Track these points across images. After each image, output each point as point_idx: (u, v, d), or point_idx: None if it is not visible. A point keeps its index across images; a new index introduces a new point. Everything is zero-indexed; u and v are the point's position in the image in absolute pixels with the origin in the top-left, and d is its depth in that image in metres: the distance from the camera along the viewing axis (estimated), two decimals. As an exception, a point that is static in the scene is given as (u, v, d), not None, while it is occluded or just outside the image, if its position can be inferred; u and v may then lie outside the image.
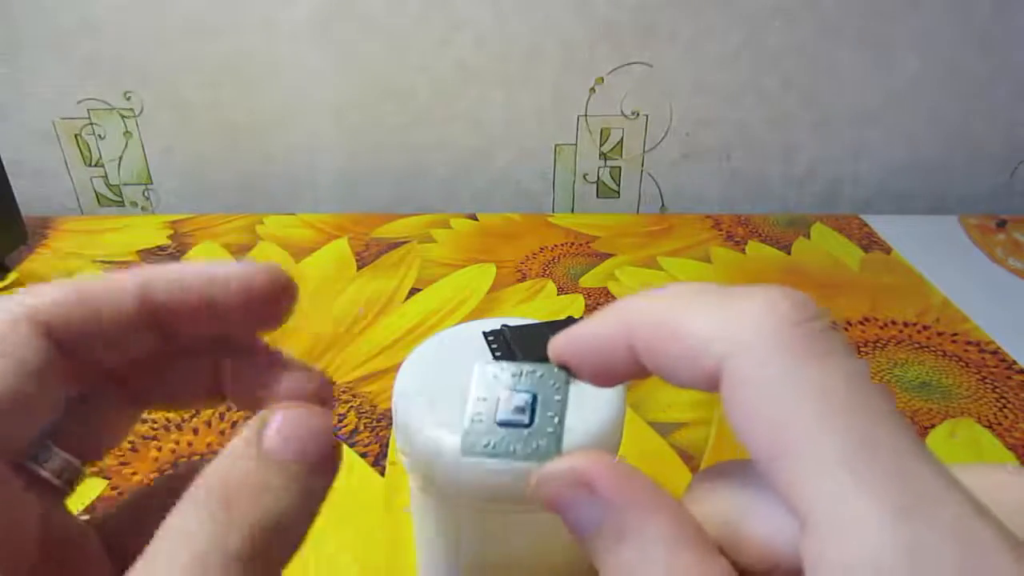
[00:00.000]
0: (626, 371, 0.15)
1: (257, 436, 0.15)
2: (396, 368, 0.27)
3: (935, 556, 0.10)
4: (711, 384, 0.13)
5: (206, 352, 0.18)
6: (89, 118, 0.69)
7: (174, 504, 0.17)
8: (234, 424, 0.41)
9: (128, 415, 0.18)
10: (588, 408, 0.24)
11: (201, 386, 0.18)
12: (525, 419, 0.16)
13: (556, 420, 0.16)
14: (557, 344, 0.16)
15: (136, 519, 0.18)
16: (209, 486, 0.14)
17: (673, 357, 0.14)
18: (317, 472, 0.15)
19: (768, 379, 0.12)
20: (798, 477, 0.11)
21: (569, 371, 0.16)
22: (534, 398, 0.16)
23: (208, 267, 0.17)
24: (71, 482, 0.16)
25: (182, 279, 0.16)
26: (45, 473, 0.15)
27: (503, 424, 0.16)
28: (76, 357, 0.16)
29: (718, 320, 0.13)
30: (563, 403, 0.16)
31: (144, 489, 0.19)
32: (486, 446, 0.16)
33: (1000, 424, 0.41)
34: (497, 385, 0.17)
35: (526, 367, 0.17)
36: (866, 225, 0.66)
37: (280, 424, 0.15)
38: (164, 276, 0.16)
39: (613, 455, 0.26)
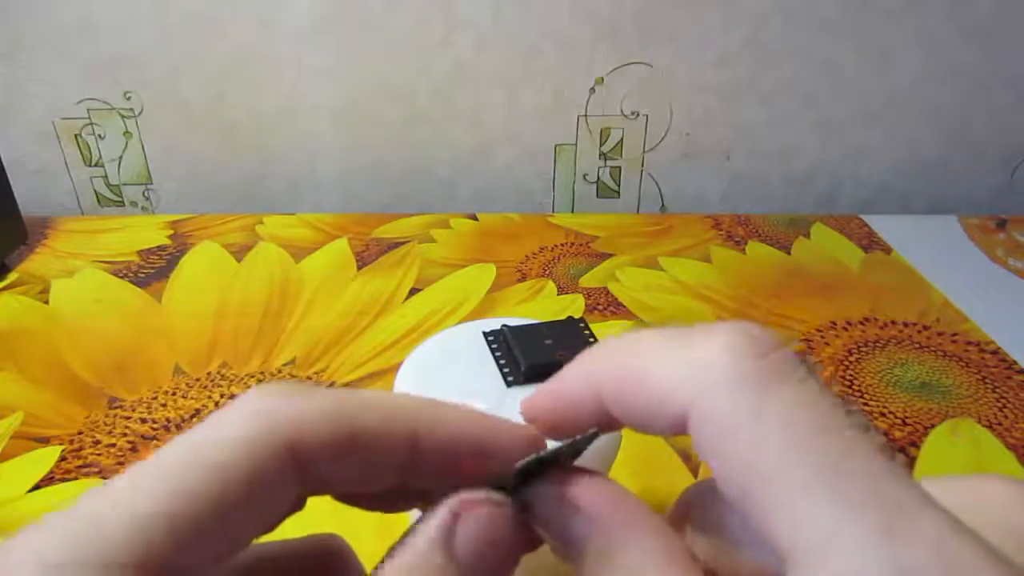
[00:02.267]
0: (600, 425, 0.15)
1: (446, 528, 0.14)
2: (396, 368, 0.27)
3: (918, 574, 0.10)
4: (680, 430, 0.13)
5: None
6: (89, 118, 0.69)
7: (308, 573, 0.16)
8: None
9: (302, 500, 0.16)
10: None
11: (390, 495, 0.16)
12: None
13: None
14: (528, 405, 0.16)
15: (260, 572, 0.16)
16: None
17: (640, 408, 0.14)
18: None
19: (731, 416, 0.12)
20: (774, 508, 0.11)
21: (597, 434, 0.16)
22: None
23: (481, 427, 0.15)
24: None
25: (455, 433, 0.15)
26: None
27: None
28: (314, 482, 0.14)
29: (679, 366, 0.13)
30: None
31: (276, 545, 0.17)
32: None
33: (1000, 424, 0.41)
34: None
35: (564, 448, 0.16)
36: (866, 225, 0.66)
37: (476, 522, 0.14)
38: (436, 425, 0.15)
39: (611, 461, 0.26)
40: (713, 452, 0.12)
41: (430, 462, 0.15)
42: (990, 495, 0.13)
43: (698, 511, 0.15)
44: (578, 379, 0.15)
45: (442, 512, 0.14)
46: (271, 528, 0.15)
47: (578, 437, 0.16)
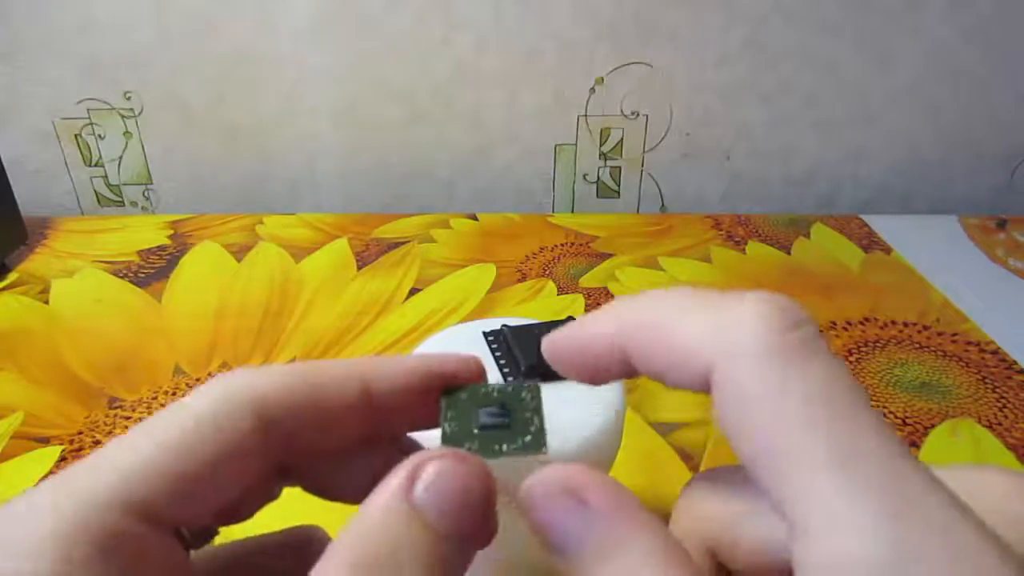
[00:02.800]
0: (618, 371, 0.15)
1: (406, 485, 0.13)
2: (396, 368, 0.27)
3: (924, 557, 0.10)
4: (702, 387, 0.13)
5: (376, 446, 0.17)
6: (89, 118, 0.69)
7: (289, 565, 0.17)
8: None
9: (276, 489, 0.17)
10: (588, 409, 0.24)
11: (358, 481, 0.17)
12: (504, 420, 0.16)
13: (536, 420, 0.16)
14: (551, 342, 0.16)
15: (247, 570, 0.17)
16: (346, 545, 0.13)
17: (665, 361, 0.14)
18: (468, 541, 0.14)
19: (755, 385, 0.12)
20: (786, 481, 0.12)
21: (540, 381, 0.17)
22: (507, 406, 0.16)
23: (425, 363, 0.17)
24: (204, 540, 0.16)
25: (400, 375, 0.16)
26: (188, 534, 0.15)
27: (484, 428, 0.16)
28: (281, 444, 0.15)
29: (708, 326, 0.13)
30: (539, 408, 0.16)
31: (257, 539, 0.18)
32: (469, 449, 0.15)
33: (1000, 424, 0.41)
34: (468, 403, 0.16)
35: (495, 385, 0.17)
36: (866, 225, 0.66)
37: (435, 478, 0.14)
38: (385, 373, 0.16)
39: (611, 459, 0.26)
40: (734, 418, 0.13)
41: (384, 404, 0.16)
42: (990, 485, 0.13)
43: (706, 484, 0.15)
44: (603, 324, 0.15)
45: (404, 465, 0.14)
46: (250, 508, 0.16)
47: (523, 382, 0.17)
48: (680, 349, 0.14)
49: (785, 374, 0.12)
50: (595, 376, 0.16)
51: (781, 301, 0.13)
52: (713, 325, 0.13)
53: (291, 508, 0.19)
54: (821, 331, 0.13)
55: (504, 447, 0.15)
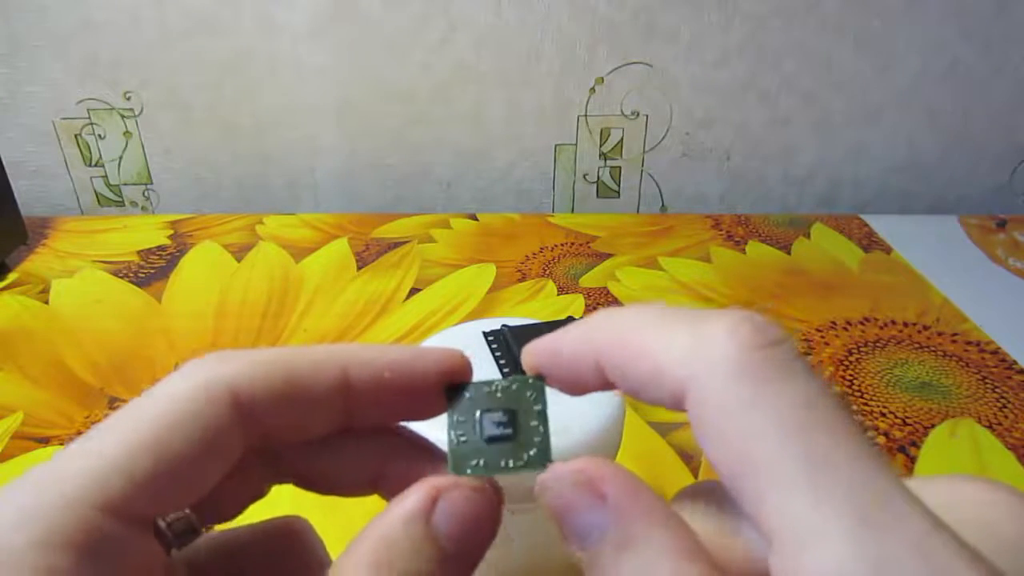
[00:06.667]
0: (595, 384, 0.15)
1: (426, 506, 0.14)
2: (396, 368, 0.27)
3: (897, 569, 0.10)
4: (676, 404, 0.13)
5: (366, 439, 0.17)
6: (89, 118, 0.69)
7: (271, 556, 0.17)
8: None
9: (264, 486, 0.17)
10: (588, 408, 0.24)
11: (353, 475, 0.17)
12: (509, 431, 0.16)
13: (541, 429, 0.16)
14: (528, 354, 0.16)
15: (229, 562, 0.17)
16: (365, 551, 0.13)
17: (639, 377, 0.14)
18: (470, 559, 0.14)
19: (730, 402, 0.12)
20: (762, 495, 0.12)
21: (543, 379, 0.16)
22: (513, 411, 0.16)
23: (406, 355, 0.16)
24: (186, 540, 0.16)
25: (381, 365, 0.16)
26: (167, 529, 0.15)
27: (490, 440, 0.16)
28: (257, 431, 0.15)
29: (683, 343, 0.13)
30: (543, 412, 0.16)
31: (239, 530, 0.18)
32: (476, 464, 0.15)
33: (1000, 424, 0.41)
34: (473, 404, 0.16)
35: (499, 382, 0.17)
36: (866, 225, 0.66)
37: (455, 503, 0.14)
38: (365, 360, 0.16)
39: (613, 456, 0.26)
40: (708, 434, 0.13)
41: (364, 394, 0.16)
42: (969, 495, 0.13)
43: (696, 497, 0.15)
44: (579, 339, 0.15)
45: (421, 489, 0.14)
46: (236, 506, 0.16)
47: (517, 376, 0.17)
48: (654, 367, 0.14)
49: (758, 391, 0.12)
50: (573, 388, 0.16)
51: (756, 319, 0.13)
52: (687, 343, 0.13)
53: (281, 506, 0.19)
54: (803, 350, 0.13)
55: (510, 463, 0.15)
